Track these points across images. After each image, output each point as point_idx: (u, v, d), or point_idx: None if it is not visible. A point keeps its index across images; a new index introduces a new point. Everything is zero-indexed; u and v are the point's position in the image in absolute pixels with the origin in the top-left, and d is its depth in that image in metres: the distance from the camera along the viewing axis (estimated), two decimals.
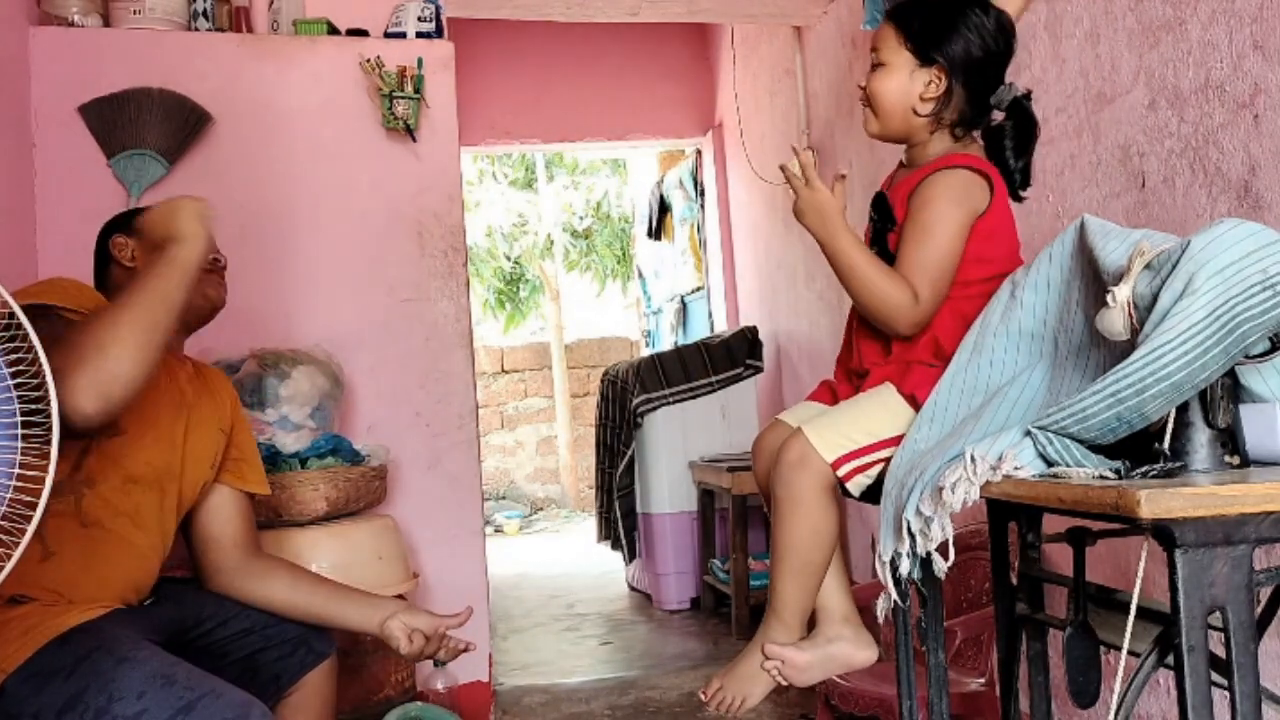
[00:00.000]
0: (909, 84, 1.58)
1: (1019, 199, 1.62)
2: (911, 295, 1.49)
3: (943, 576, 1.45)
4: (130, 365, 1.42)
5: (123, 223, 1.84)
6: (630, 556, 4.88)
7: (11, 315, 1.21)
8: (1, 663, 1.40)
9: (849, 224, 1.54)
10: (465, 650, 1.85)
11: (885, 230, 1.60)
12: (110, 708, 1.35)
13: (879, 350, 1.60)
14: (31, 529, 1.19)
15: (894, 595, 1.45)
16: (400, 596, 2.51)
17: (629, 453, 4.68)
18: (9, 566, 1.17)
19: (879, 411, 1.52)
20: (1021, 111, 1.58)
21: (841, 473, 1.49)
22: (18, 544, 1.18)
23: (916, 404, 1.49)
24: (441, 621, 1.80)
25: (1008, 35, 1.58)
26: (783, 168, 1.58)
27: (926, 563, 1.40)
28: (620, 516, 4.78)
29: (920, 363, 1.53)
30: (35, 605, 1.49)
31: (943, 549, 1.35)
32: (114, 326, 1.43)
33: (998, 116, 1.60)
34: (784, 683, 1.58)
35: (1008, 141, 1.58)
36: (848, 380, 1.68)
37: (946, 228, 1.51)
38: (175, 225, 1.61)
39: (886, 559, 1.42)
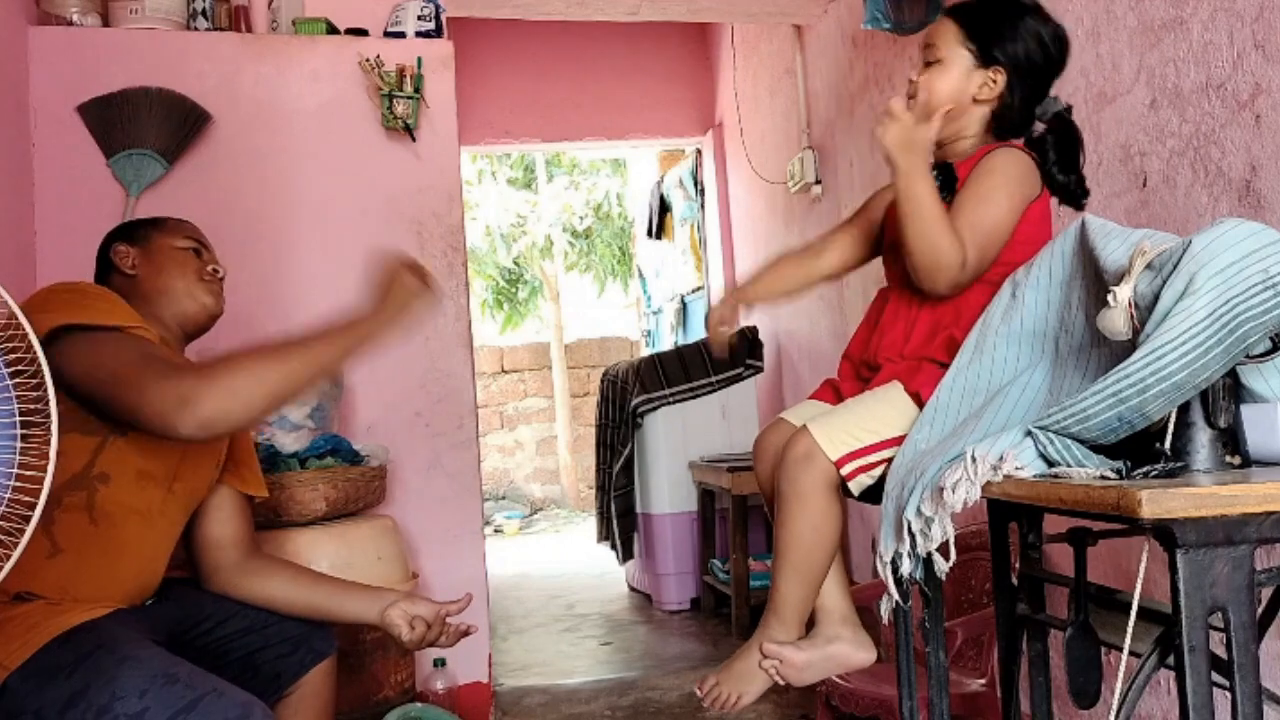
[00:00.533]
0: (964, 83, 1.57)
1: (1079, 206, 1.60)
2: (962, 254, 1.48)
3: (944, 577, 1.45)
4: (249, 413, 1.48)
5: (123, 232, 1.86)
6: (624, 556, 4.87)
7: (11, 317, 1.21)
8: (4, 660, 1.40)
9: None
10: (467, 633, 1.85)
11: (945, 193, 1.57)
12: (112, 706, 1.35)
13: (900, 343, 1.59)
14: (31, 528, 1.18)
15: (895, 595, 1.45)
16: None
17: (625, 451, 4.68)
18: (9, 565, 1.17)
19: (885, 410, 1.52)
20: (1064, 124, 1.57)
21: (845, 471, 1.49)
22: (17, 542, 1.18)
23: (922, 402, 1.49)
24: (442, 607, 1.81)
25: (1064, 47, 1.58)
26: (911, 81, 1.56)
27: (928, 563, 1.40)
28: (616, 516, 4.78)
29: (932, 361, 1.53)
30: (39, 603, 1.49)
31: (943, 549, 1.35)
32: (260, 376, 1.49)
33: (1039, 128, 1.59)
34: (781, 682, 1.58)
35: (1051, 154, 1.57)
36: (855, 376, 1.67)
37: (1006, 199, 1.51)
38: (390, 298, 1.66)
39: (887, 559, 1.42)
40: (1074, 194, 1.59)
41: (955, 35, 1.58)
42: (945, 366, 1.50)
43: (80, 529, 1.58)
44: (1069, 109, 1.58)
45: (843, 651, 1.60)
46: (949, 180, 1.58)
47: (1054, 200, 1.62)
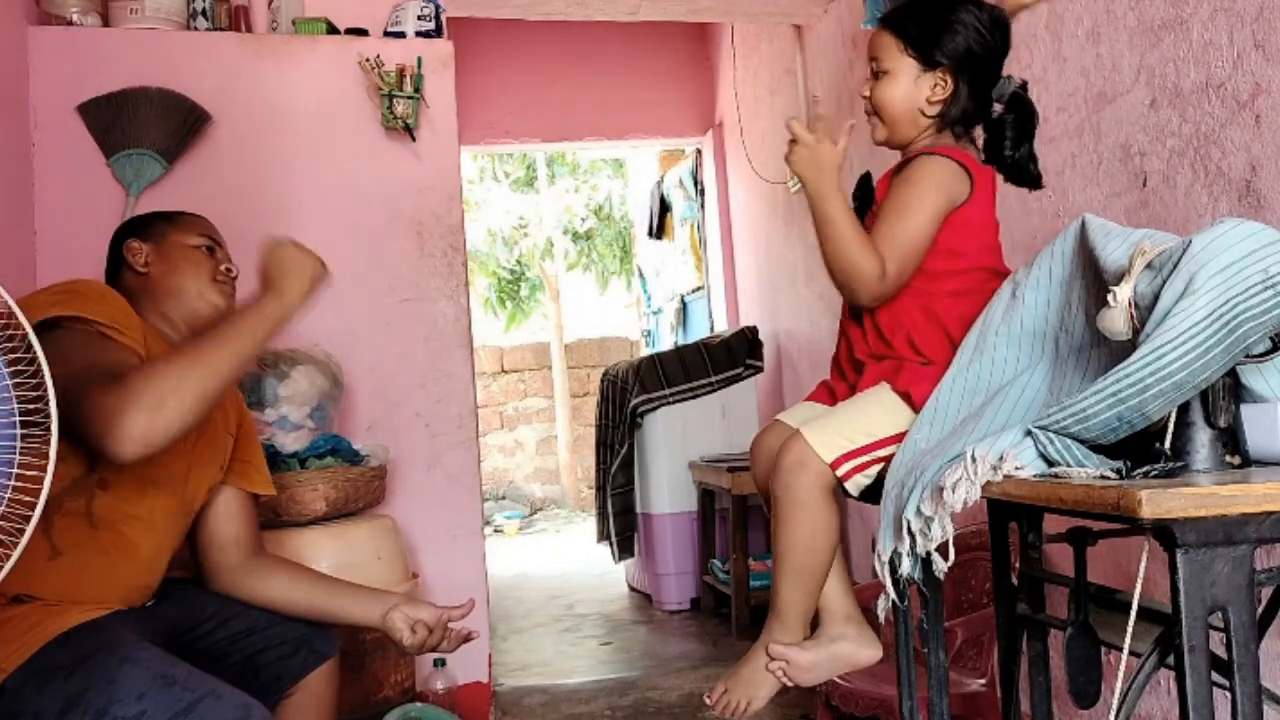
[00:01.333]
0: (914, 90, 1.58)
1: (1035, 187, 1.61)
2: (880, 268, 1.50)
3: (942, 577, 1.44)
4: (182, 420, 1.42)
5: (137, 227, 1.84)
6: (621, 555, 4.87)
7: (11, 316, 1.21)
8: (2, 662, 1.40)
9: (842, 185, 1.54)
10: (468, 639, 1.84)
11: (864, 210, 1.61)
12: (110, 708, 1.35)
13: (863, 342, 1.62)
14: (30, 529, 1.18)
15: (893, 595, 1.45)
16: None
17: (623, 451, 4.68)
18: (9, 565, 1.17)
19: (876, 411, 1.52)
20: (1021, 103, 1.58)
21: (840, 473, 1.49)
22: (17, 544, 1.17)
23: (912, 401, 1.50)
24: (444, 612, 1.79)
25: (1004, 29, 1.59)
26: (790, 119, 1.56)
27: (927, 563, 1.40)
28: (613, 515, 4.78)
29: (910, 360, 1.54)
30: (37, 605, 1.49)
31: (943, 549, 1.35)
32: (179, 380, 1.43)
33: (997, 109, 1.60)
34: (789, 683, 1.58)
35: (1008, 132, 1.58)
36: (842, 379, 1.68)
37: (923, 209, 1.52)
38: (286, 277, 1.63)
39: (886, 558, 1.42)
40: (1026, 172, 1.60)
41: (894, 45, 1.59)
42: (926, 364, 1.51)
43: (80, 532, 1.57)
44: (1024, 85, 1.59)
45: (848, 650, 1.60)
46: (867, 193, 1.62)
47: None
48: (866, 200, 1.63)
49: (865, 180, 1.65)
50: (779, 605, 1.56)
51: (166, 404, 1.40)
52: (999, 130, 1.60)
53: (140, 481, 1.63)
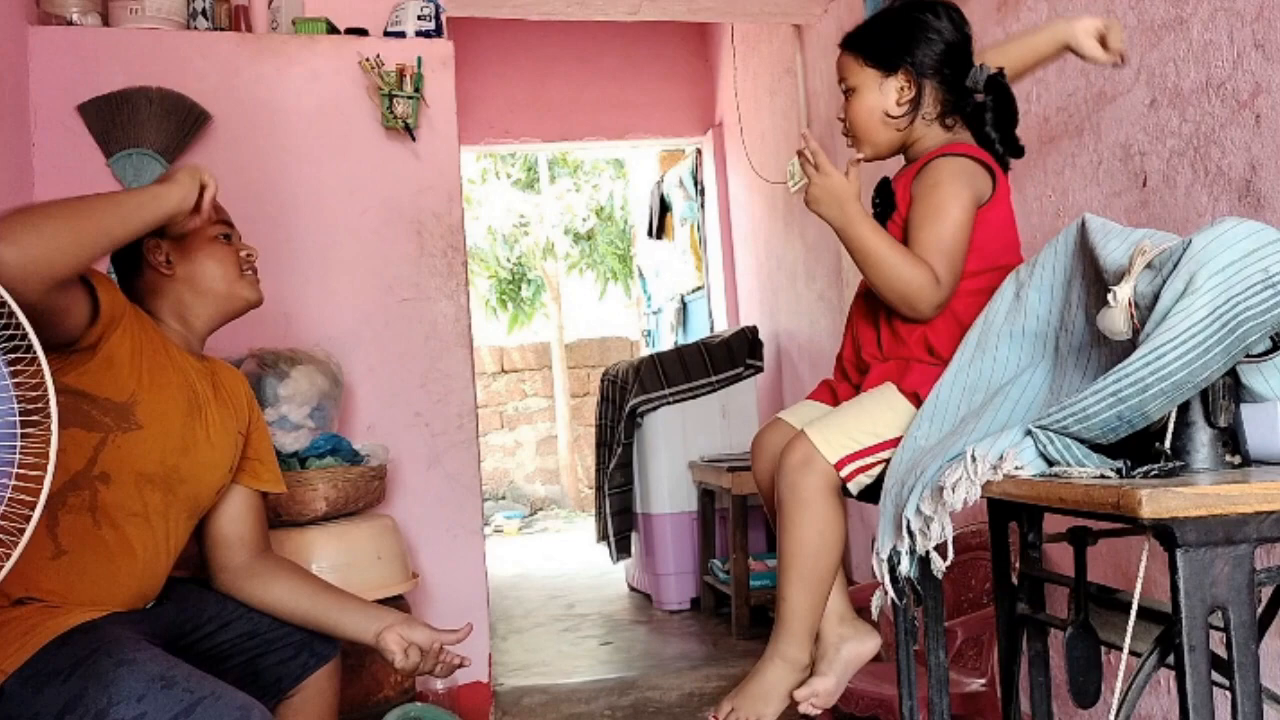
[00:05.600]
0: (880, 97, 1.60)
1: (1006, 168, 1.61)
2: (932, 276, 1.48)
3: (940, 576, 1.44)
4: (53, 250, 1.36)
5: None
6: (618, 555, 4.87)
7: (11, 315, 1.21)
8: (1, 663, 1.40)
9: (864, 209, 1.54)
10: (460, 666, 1.82)
11: (886, 217, 1.60)
12: (110, 710, 1.35)
13: (875, 343, 1.61)
14: (30, 528, 1.18)
15: (890, 592, 1.45)
16: (400, 597, 2.51)
17: (621, 450, 4.68)
18: (9, 565, 1.17)
19: (882, 412, 1.52)
20: (999, 88, 1.58)
21: (844, 473, 1.49)
22: (17, 543, 1.17)
23: (919, 402, 1.49)
24: (439, 636, 1.77)
25: (958, 20, 1.60)
26: (799, 153, 1.56)
27: (925, 562, 1.40)
28: (611, 514, 4.78)
29: (918, 360, 1.53)
30: (36, 606, 1.49)
31: (941, 549, 1.35)
32: (47, 214, 1.40)
33: (978, 97, 1.60)
34: (816, 711, 1.57)
35: (988, 116, 1.58)
36: (845, 379, 1.68)
37: (958, 208, 1.51)
38: (175, 174, 1.65)
39: (884, 555, 1.42)
40: (1009, 145, 1.59)
41: (854, 62, 1.62)
42: (934, 365, 1.51)
43: (84, 530, 1.57)
44: (1001, 71, 1.58)
45: (854, 650, 1.60)
46: (888, 199, 1.61)
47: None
48: (887, 206, 1.61)
49: (885, 186, 1.63)
50: (786, 615, 1.54)
51: (41, 227, 1.36)
52: (979, 115, 1.59)
53: (138, 479, 1.62)
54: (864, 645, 1.60)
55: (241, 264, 1.82)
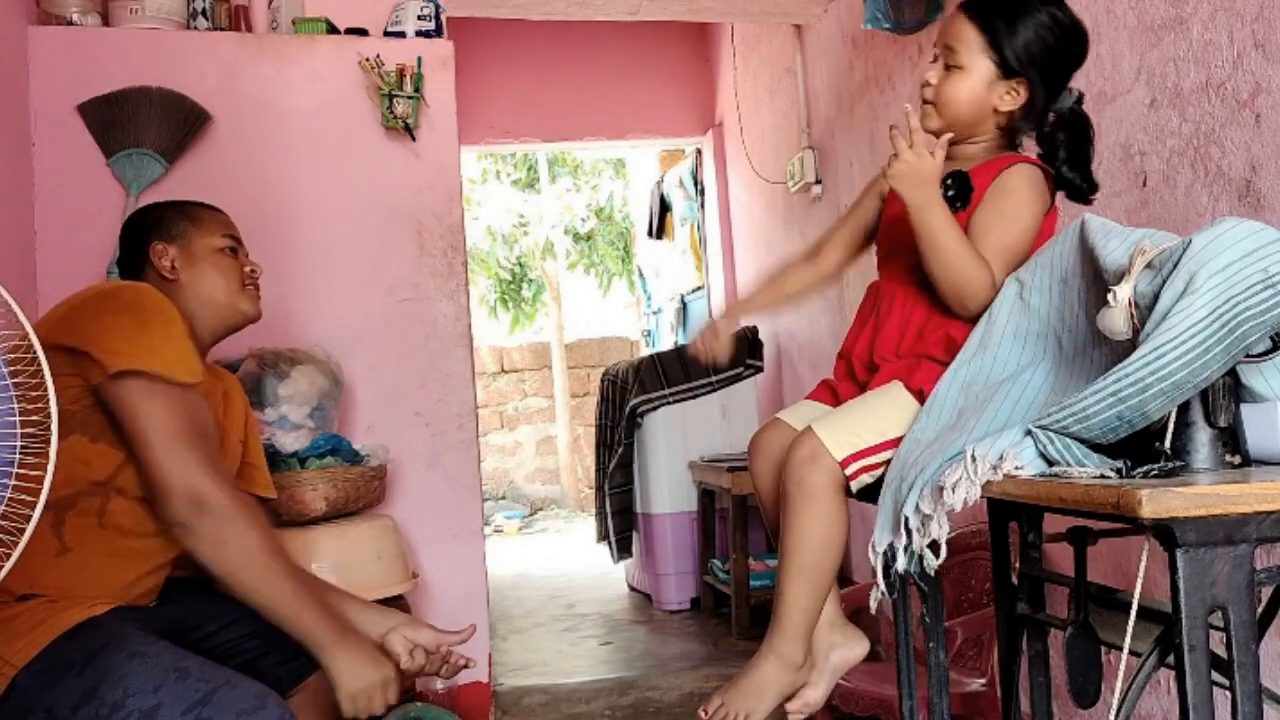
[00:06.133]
0: (986, 93, 1.54)
1: (1087, 201, 1.57)
2: (991, 277, 1.47)
3: (934, 573, 1.44)
4: (215, 565, 1.54)
5: (156, 224, 1.82)
6: (619, 555, 4.87)
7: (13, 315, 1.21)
8: (10, 658, 1.40)
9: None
10: (465, 667, 1.82)
11: (955, 207, 1.54)
12: (125, 702, 1.35)
13: (896, 341, 1.59)
14: (30, 528, 1.18)
15: (883, 588, 1.45)
16: (400, 597, 2.51)
17: (622, 450, 4.68)
18: (9, 565, 1.17)
19: (889, 410, 1.51)
20: (1078, 118, 1.54)
21: (849, 471, 1.48)
22: (17, 542, 1.17)
23: (925, 399, 1.49)
24: (444, 638, 1.77)
25: (1084, 42, 1.55)
26: (892, 128, 1.50)
27: (924, 559, 1.40)
28: (611, 514, 4.78)
29: (931, 359, 1.53)
30: (40, 600, 1.49)
31: (934, 546, 1.34)
32: (256, 560, 1.55)
33: (1050, 119, 1.56)
34: (802, 715, 1.57)
35: (1062, 151, 1.54)
36: (849, 378, 1.67)
37: (1029, 218, 1.51)
38: (374, 659, 1.60)
39: (880, 550, 1.42)
40: (1082, 190, 1.56)
41: (976, 41, 1.53)
42: (944, 364, 1.50)
43: (88, 531, 1.58)
44: (1081, 99, 1.55)
45: (842, 657, 1.60)
46: (964, 189, 1.55)
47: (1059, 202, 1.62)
48: (961, 198, 1.55)
49: (961, 177, 1.56)
50: (783, 612, 1.52)
51: (230, 552, 1.53)
52: (1052, 145, 1.55)
53: (144, 501, 1.63)
54: (853, 651, 1.61)
55: (244, 278, 1.84)
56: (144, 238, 1.80)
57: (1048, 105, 1.54)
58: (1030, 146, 1.62)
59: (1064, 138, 1.54)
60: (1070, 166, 1.54)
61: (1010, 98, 1.54)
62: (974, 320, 1.49)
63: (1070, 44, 1.53)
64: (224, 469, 1.60)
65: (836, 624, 1.62)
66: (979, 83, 1.54)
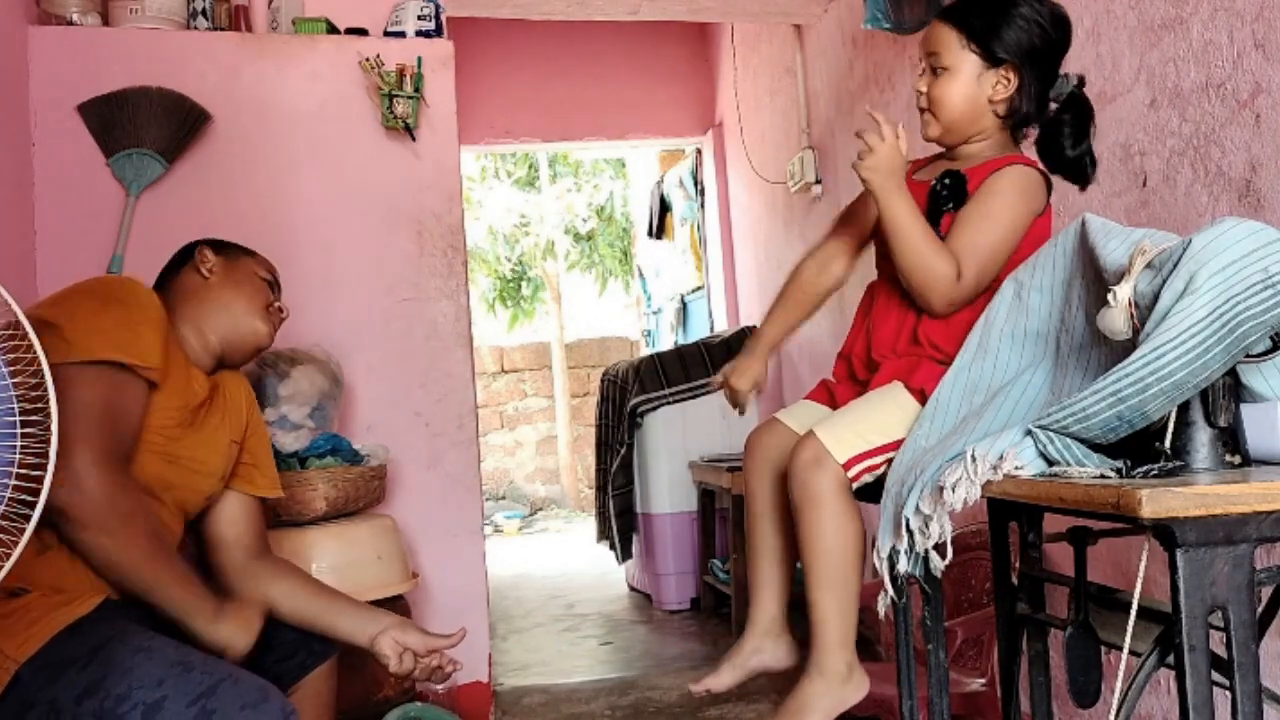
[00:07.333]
0: (977, 88, 1.55)
1: (1085, 184, 1.59)
2: (954, 271, 1.47)
3: (940, 575, 1.44)
4: (96, 557, 1.51)
5: (215, 242, 1.92)
6: (623, 557, 4.86)
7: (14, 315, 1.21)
8: (13, 653, 1.41)
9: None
10: (455, 670, 1.83)
11: (943, 210, 1.56)
12: (131, 694, 1.36)
13: (892, 339, 1.59)
14: (31, 527, 1.18)
15: (891, 592, 1.45)
16: (399, 597, 2.51)
17: (623, 450, 4.68)
18: (9, 565, 1.17)
19: (891, 411, 1.51)
20: (1078, 102, 1.55)
21: (852, 473, 1.48)
22: (16, 542, 1.17)
23: (926, 399, 1.49)
24: (434, 642, 1.78)
25: (1066, 26, 1.56)
26: (859, 133, 1.52)
27: (926, 561, 1.40)
28: (614, 515, 4.78)
29: (929, 358, 1.53)
30: (35, 596, 1.50)
31: (940, 548, 1.35)
32: (121, 548, 1.52)
33: (1052, 108, 1.58)
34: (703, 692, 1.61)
35: (1066, 130, 1.55)
36: (849, 379, 1.67)
37: (1010, 220, 1.51)
38: (241, 613, 1.64)
39: (885, 554, 1.42)
40: (1083, 170, 1.57)
41: (956, 40, 1.55)
42: (944, 363, 1.50)
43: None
44: (1081, 83, 1.56)
45: (762, 663, 1.62)
46: (958, 188, 1.56)
47: (1053, 209, 1.62)
48: (955, 198, 1.57)
49: (957, 177, 1.57)
50: (816, 624, 1.49)
51: (108, 549, 1.50)
52: (1055, 130, 1.56)
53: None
54: (775, 664, 1.62)
55: (271, 306, 1.92)
56: (198, 244, 1.89)
57: (1044, 91, 1.55)
58: (1030, 147, 1.62)
59: (1068, 119, 1.55)
60: (1074, 145, 1.55)
61: (1002, 86, 1.55)
62: (941, 317, 1.51)
63: (1048, 28, 1.54)
64: (118, 453, 1.56)
65: (772, 631, 1.63)
66: (968, 78, 1.55)
